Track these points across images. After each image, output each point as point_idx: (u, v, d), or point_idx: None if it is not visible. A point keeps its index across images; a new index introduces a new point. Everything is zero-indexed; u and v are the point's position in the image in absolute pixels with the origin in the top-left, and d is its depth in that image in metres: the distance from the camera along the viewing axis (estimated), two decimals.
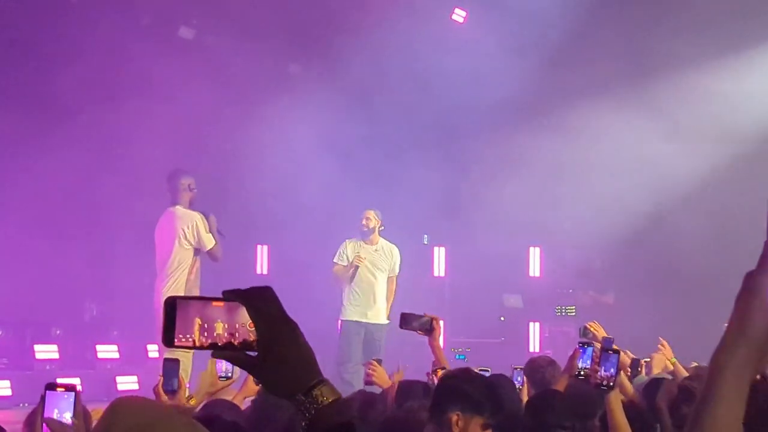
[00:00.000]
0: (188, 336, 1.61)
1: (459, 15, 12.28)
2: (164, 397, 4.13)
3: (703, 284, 11.07)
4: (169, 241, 8.41)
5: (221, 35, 11.00)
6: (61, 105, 9.86)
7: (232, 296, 1.61)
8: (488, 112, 11.95)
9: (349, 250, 9.82)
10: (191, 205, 8.55)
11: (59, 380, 3.22)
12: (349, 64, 11.21)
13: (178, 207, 8.48)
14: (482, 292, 12.47)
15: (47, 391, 2.90)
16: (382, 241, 9.92)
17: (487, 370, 5.89)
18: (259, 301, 1.60)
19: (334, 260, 9.90)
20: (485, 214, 12.20)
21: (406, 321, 5.60)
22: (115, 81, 10.36)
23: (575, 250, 12.88)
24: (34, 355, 9.87)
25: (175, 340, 1.61)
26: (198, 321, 1.60)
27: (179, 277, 8.31)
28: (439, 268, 12.90)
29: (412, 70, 11.58)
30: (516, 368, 6.14)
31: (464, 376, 3.82)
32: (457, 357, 10.91)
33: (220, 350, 1.61)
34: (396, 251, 9.97)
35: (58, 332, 10.43)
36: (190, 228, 8.37)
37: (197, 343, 1.60)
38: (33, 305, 10.07)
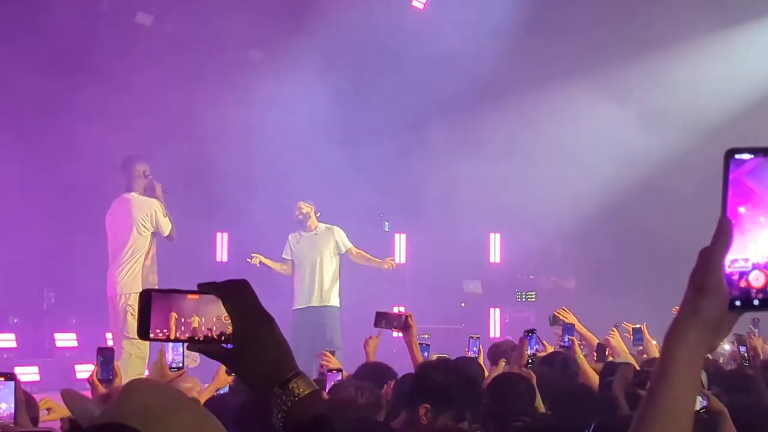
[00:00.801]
0: (164, 330, 1.61)
1: (419, 1, 12.29)
2: (100, 387, 4.07)
3: (665, 268, 11.19)
4: (125, 228, 8.35)
5: (181, 21, 10.92)
6: (18, 91, 9.73)
7: (207, 289, 1.61)
8: (448, 97, 11.98)
9: (292, 243, 10.03)
10: (146, 192, 8.50)
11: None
12: (311, 49, 11.17)
13: (133, 194, 8.43)
14: (443, 278, 12.52)
15: None
16: (321, 226, 10.05)
17: (428, 345, 6.02)
18: (235, 293, 1.60)
19: (282, 256, 10.08)
20: (445, 200, 12.25)
21: (380, 319, 5.62)
22: (72, 66, 10.23)
23: (535, 235, 12.98)
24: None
25: (151, 333, 1.62)
26: (174, 315, 1.61)
27: (135, 263, 8.27)
28: (400, 255, 12.92)
29: (371, 55, 11.57)
30: (473, 337, 6.28)
31: (441, 368, 3.81)
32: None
33: (195, 343, 1.62)
34: (336, 229, 10.07)
35: (15, 321, 10.33)
36: (149, 216, 8.35)
37: (173, 337, 1.61)
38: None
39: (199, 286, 1.62)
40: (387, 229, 12.82)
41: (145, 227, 8.35)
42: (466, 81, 11.68)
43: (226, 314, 1.60)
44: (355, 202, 11.23)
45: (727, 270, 1.29)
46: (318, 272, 9.86)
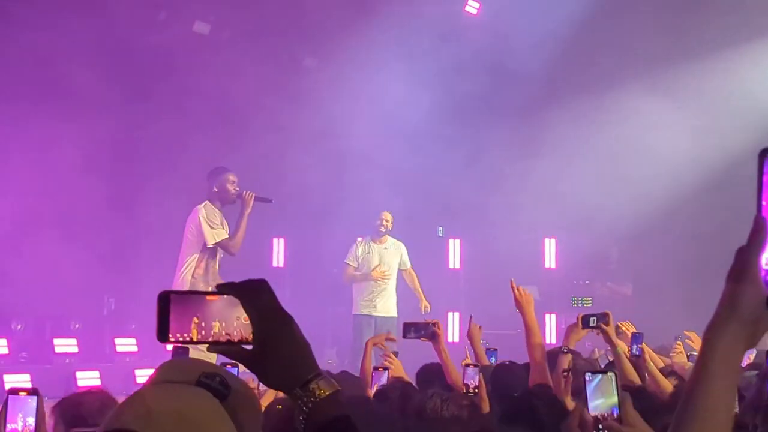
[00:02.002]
0: (184, 334, 1.59)
1: (472, 7, 12.29)
2: None
3: (724, 272, 11.03)
4: (184, 235, 8.24)
5: (237, 29, 11.05)
6: (80, 96, 9.91)
7: (226, 290, 1.60)
8: (503, 102, 11.95)
9: (359, 250, 10.24)
10: (226, 203, 8.24)
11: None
12: (361, 59, 11.21)
13: (206, 203, 8.17)
14: (497, 284, 12.45)
15: (10, 396, 2.89)
16: (390, 239, 10.29)
17: (495, 350, 5.97)
18: (254, 294, 1.59)
19: (346, 261, 10.24)
20: (500, 205, 12.20)
21: (408, 330, 5.59)
22: (136, 72, 10.41)
23: (591, 240, 12.87)
24: (53, 349, 9.93)
25: (170, 336, 1.59)
26: (195, 319, 1.59)
27: (186, 271, 8.07)
28: (455, 261, 12.92)
29: (426, 61, 11.58)
30: (489, 348, 6.20)
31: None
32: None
33: (215, 345, 1.60)
34: (402, 246, 10.36)
35: (77, 326, 10.49)
36: (194, 222, 8.12)
37: (194, 340, 1.59)
38: (52, 299, 10.13)
39: (217, 286, 1.60)
40: (441, 234, 12.82)
41: (192, 233, 8.13)
42: (521, 86, 11.65)
43: (246, 315, 1.58)
44: (409, 207, 11.25)
45: (765, 268, 1.31)
46: (386, 285, 10.13)
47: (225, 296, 1.60)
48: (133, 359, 10.52)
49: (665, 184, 12.28)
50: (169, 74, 10.32)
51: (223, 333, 1.59)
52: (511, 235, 12.13)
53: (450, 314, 12.30)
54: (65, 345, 10.07)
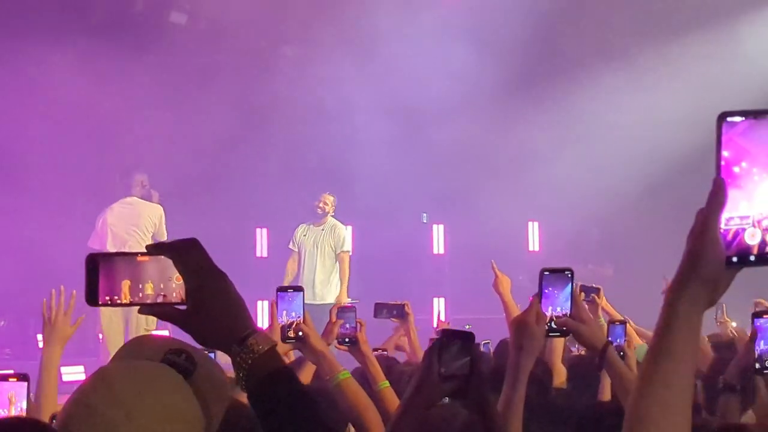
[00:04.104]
0: (114, 296, 1.57)
1: None
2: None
3: None
4: (130, 230, 8.89)
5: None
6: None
7: (156, 250, 1.57)
8: (482, 85, 11.92)
9: (299, 233, 10.09)
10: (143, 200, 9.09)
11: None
12: (339, 46, 11.17)
13: (135, 198, 9.02)
14: (482, 268, 12.45)
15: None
16: (330, 222, 10.07)
17: (488, 342, 6.02)
18: (186, 252, 1.56)
19: (289, 246, 10.13)
20: (483, 190, 12.19)
21: (380, 310, 5.63)
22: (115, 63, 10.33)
23: (573, 222, 12.89)
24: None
25: (100, 299, 1.57)
26: (128, 282, 1.56)
27: None
28: (439, 246, 12.92)
29: (403, 51, 11.53)
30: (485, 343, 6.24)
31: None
32: None
33: (147, 306, 1.57)
34: (339, 227, 10.08)
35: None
36: (154, 221, 8.92)
37: (125, 302, 1.57)
38: (35, 295, 10.06)
39: (147, 247, 1.58)
40: (425, 221, 12.82)
41: (146, 232, 8.83)
42: (501, 70, 11.62)
43: (178, 275, 1.56)
44: (392, 194, 11.23)
45: (723, 228, 1.33)
46: (315, 270, 9.90)
47: (157, 257, 1.57)
48: None
49: (645, 166, 12.30)
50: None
51: (159, 294, 1.57)
52: (494, 220, 12.13)
53: (435, 299, 12.30)
54: None
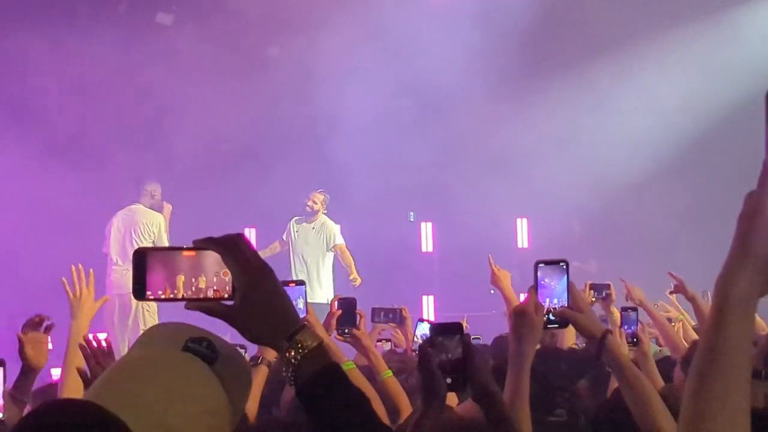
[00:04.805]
0: (159, 291, 1.55)
1: None
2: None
3: (680, 250, 11.14)
4: (128, 236, 9.22)
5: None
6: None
7: (204, 244, 1.55)
8: (469, 83, 11.92)
9: (293, 229, 10.25)
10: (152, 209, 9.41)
11: None
12: (325, 46, 11.14)
13: (139, 206, 9.38)
14: (471, 266, 12.47)
15: None
16: (320, 219, 10.16)
17: (478, 338, 6.05)
18: (233, 247, 1.54)
19: (283, 237, 10.35)
20: (470, 187, 12.21)
21: (376, 314, 5.66)
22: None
23: (560, 219, 12.91)
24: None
25: (148, 292, 1.56)
26: (182, 277, 1.55)
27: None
28: (427, 244, 12.92)
29: (391, 47, 11.53)
30: (474, 338, 6.26)
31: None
32: None
33: (193, 302, 1.56)
34: (329, 224, 10.20)
35: (49, 322, 10.37)
36: (153, 228, 9.23)
37: (176, 297, 1.55)
38: (22, 296, 10.03)
39: (194, 242, 1.56)
40: (412, 219, 12.81)
41: (145, 239, 9.10)
42: (486, 67, 11.63)
43: (225, 270, 1.54)
44: (379, 192, 11.22)
45: None
46: (308, 270, 10.02)
47: (202, 251, 1.56)
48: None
49: (635, 161, 12.34)
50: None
51: (210, 288, 1.55)
52: (482, 217, 12.13)
53: (424, 297, 12.31)
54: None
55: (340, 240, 10.14)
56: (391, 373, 3.55)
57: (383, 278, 10.58)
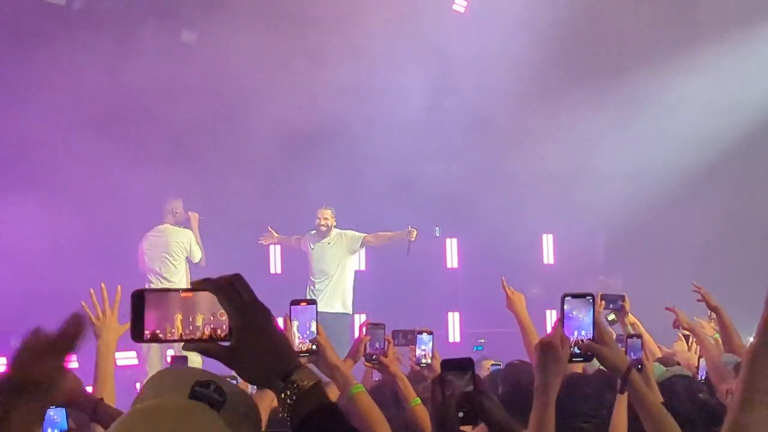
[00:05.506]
0: (158, 332, 1.56)
1: (460, 5, 12.25)
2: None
3: (705, 264, 11.05)
4: (161, 257, 9.62)
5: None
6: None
7: (201, 285, 1.57)
8: (497, 100, 11.90)
9: (311, 243, 10.39)
10: (178, 225, 9.82)
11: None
12: (343, 56, 11.13)
13: (166, 225, 9.79)
14: (496, 282, 12.39)
15: None
16: (333, 234, 10.30)
17: (499, 364, 5.94)
18: (230, 288, 1.56)
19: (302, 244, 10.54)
20: (496, 203, 12.16)
21: (395, 337, 5.62)
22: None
23: (587, 234, 12.84)
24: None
25: (147, 332, 1.57)
26: (179, 316, 1.56)
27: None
28: (452, 260, 12.87)
29: (414, 59, 11.51)
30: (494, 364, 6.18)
31: None
32: (474, 348, 10.85)
33: (190, 342, 1.57)
34: (343, 232, 10.35)
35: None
36: (183, 245, 9.64)
37: (178, 336, 1.57)
38: (48, 315, 10.04)
39: (192, 283, 1.58)
40: (438, 234, 12.77)
41: (178, 256, 9.56)
42: (514, 83, 11.61)
43: (222, 310, 1.56)
44: (404, 208, 11.19)
45: None
46: (329, 281, 10.18)
47: (200, 292, 1.57)
48: (134, 373, 10.45)
49: (659, 174, 12.28)
50: None
51: (207, 326, 1.57)
52: (508, 233, 12.09)
53: (450, 314, 12.25)
54: (126, 358, 10.07)
55: (360, 234, 10.24)
56: (419, 401, 3.54)
57: (408, 295, 10.54)
